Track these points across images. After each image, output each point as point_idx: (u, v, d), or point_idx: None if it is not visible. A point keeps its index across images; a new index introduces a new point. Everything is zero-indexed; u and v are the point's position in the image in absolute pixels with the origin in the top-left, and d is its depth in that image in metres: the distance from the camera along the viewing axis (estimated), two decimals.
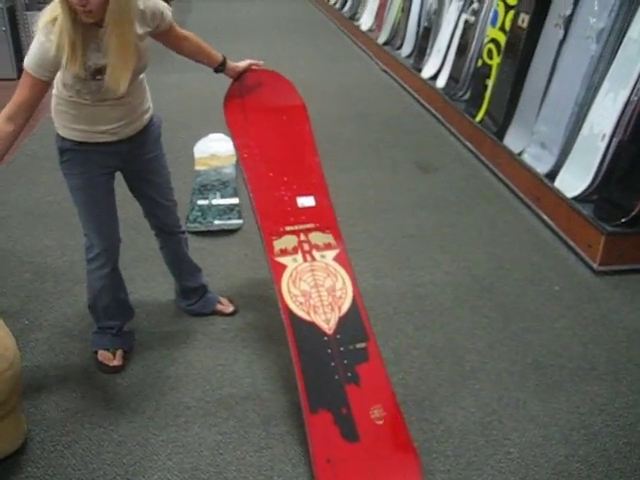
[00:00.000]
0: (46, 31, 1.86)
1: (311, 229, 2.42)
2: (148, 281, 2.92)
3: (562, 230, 3.38)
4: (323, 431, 2.00)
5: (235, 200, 3.76)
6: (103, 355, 2.43)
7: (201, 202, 3.76)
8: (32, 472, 1.94)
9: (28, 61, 1.91)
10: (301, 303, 2.22)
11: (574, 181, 3.44)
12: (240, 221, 3.50)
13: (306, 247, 2.36)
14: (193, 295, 2.67)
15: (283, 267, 2.30)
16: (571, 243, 3.28)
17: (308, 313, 2.19)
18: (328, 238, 2.41)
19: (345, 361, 2.12)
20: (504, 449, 2.05)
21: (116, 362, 2.41)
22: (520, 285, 2.98)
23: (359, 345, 2.16)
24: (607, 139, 3.27)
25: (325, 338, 2.16)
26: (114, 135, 2.15)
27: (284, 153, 2.62)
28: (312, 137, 2.68)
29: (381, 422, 2.03)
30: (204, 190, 3.95)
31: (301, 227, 2.41)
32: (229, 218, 3.53)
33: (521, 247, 3.34)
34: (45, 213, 3.57)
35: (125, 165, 2.26)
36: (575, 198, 3.36)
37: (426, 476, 1.94)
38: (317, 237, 2.40)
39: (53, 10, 1.86)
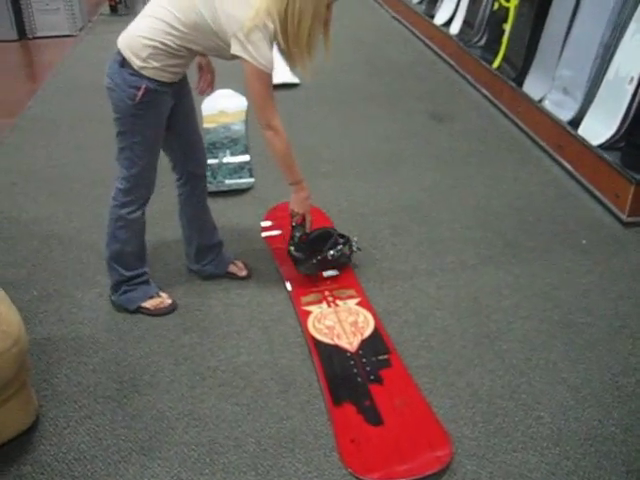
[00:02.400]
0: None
1: (335, 288, 2.57)
2: (156, 246, 2.82)
3: (587, 180, 3.23)
4: (346, 418, 1.97)
5: (246, 157, 3.61)
6: (152, 303, 2.41)
7: (211, 161, 3.61)
8: (45, 450, 1.88)
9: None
10: (325, 333, 2.31)
11: (599, 128, 3.27)
12: (251, 179, 3.37)
13: (330, 299, 2.50)
14: (209, 254, 2.58)
15: (309, 312, 2.42)
16: (597, 193, 3.13)
17: (332, 339, 2.29)
18: (350, 292, 2.54)
19: (368, 368, 2.18)
20: (534, 413, 1.96)
21: (169, 300, 2.43)
22: (545, 239, 2.85)
23: (381, 357, 2.19)
24: (635, 82, 3.09)
25: (348, 354, 2.22)
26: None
27: None
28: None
29: (405, 408, 1.98)
30: (213, 149, 3.80)
31: (326, 287, 2.58)
32: (240, 177, 3.40)
33: (545, 199, 3.20)
34: (50, 179, 3.45)
35: (176, 101, 2.23)
36: (600, 146, 3.19)
37: (453, 444, 1.86)
38: (340, 292, 2.54)
39: None
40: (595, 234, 2.89)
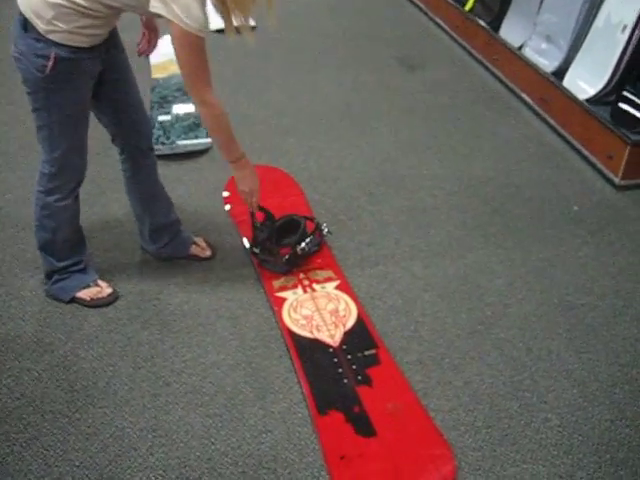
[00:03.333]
0: None
1: (311, 269, 2.29)
2: (103, 221, 2.50)
3: (576, 139, 3.00)
4: (334, 430, 1.73)
5: None
6: (88, 293, 2.12)
7: (162, 118, 3.26)
8: None
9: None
10: (303, 325, 2.06)
11: (587, 80, 3.03)
12: (208, 140, 3.03)
13: (306, 282, 2.23)
14: (165, 234, 2.26)
15: (283, 300, 2.16)
16: (587, 154, 2.91)
17: (311, 332, 2.03)
18: (328, 273, 2.27)
19: (354, 366, 1.94)
20: (541, 415, 1.77)
21: (109, 289, 2.14)
22: (534, 206, 2.63)
23: (367, 352, 1.96)
24: (629, 31, 2.84)
25: (330, 350, 1.98)
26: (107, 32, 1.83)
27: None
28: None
29: (399, 415, 1.76)
30: (164, 103, 3.43)
31: (300, 268, 2.29)
32: (196, 136, 3.04)
33: (530, 160, 2.97)
34: None
35: (105, 67, 1.86)
36: (589, 100, 2.96)
37: (456, 456, 1.66)
38: (316, 274, 2.27)
39: None
40: (587, 199, 2.69)
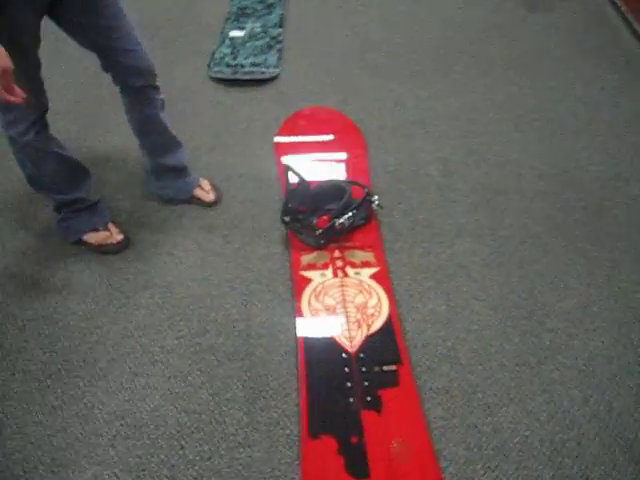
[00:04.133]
0: None
1: (349, 247, 1.96)
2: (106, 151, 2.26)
3: None
4: (322, 460, 1.46)
5: (278, 31, 2.91)
6: (97, 238, 1.93)
7: (234, 33, 2.93)
8: None
9: None
10: (321, 318, 1.76)
11: None
12: (277, 70, 2.68)
13: (339, 263, 1.91)
14: (168, 176, 2.03)
15: (307, 281, 1.85)
16: None
17: (328, 328, 1.73)
18: (367, 256, 1.93)
19: (366, 383, 1.61)
20: None
21: (120, 235, 1.95)
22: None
23: (387, 367, 1.65)
24: None
25: (344, 355, 1.68)
26: None
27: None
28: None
29: (403, 460, 1.45)
30: (242, 16, 3.09)
31: (336, 245, 1.96)
32: (266, 60, 2.71)
33: None
34: None
35: (73, 13, 1.57)
36: None
37: None
38: (355, 255, 1.93)
39: None
40: None
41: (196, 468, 1.45)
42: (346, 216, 1.89)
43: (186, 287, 1.83)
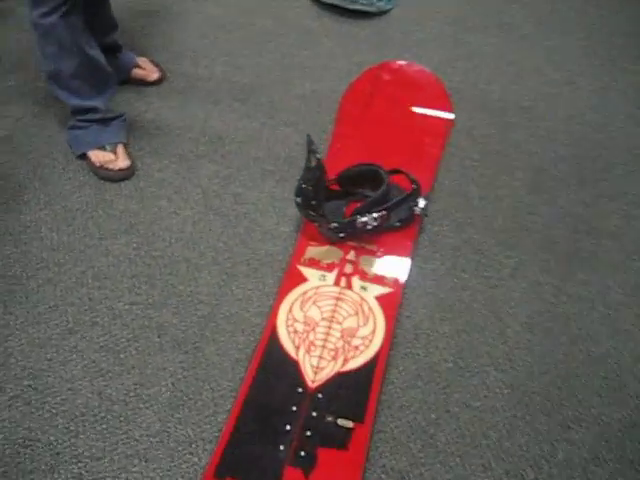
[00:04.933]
0: None
1: (369, 251, 1.59)
2: None
3: None
4: None
5: None
6: (99, 157, 1.74)
7: None
8: None
9: None
10: (295, 332, 1.44)
11: None
12: (389, 5, 2.23)
13: (348, 269, 1.56)
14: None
15: (301, 280, 1.54)
16: None
17: (298, 347, 1.42)
18: (384, 270, 1.56)
19: (308, 432, 1.30)
20: None
21: (123, 163, 1.74)
22: None
23: (342, 422, 1.31)
24: None
25: (299, 389, 1.36)
26: None
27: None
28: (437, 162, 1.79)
29: None
30: None
31: (355, 243, 1.59)
32: None
33: None
34: None
35: None
36: None
37: None
38: (371, 263, 1.57)
39: None
40: None
41: (80, 465, 1.25)
42: (374, 215, 1.52)
43: (168, 244, 1.59)
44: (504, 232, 1.65)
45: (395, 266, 1.56)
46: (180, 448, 1.28)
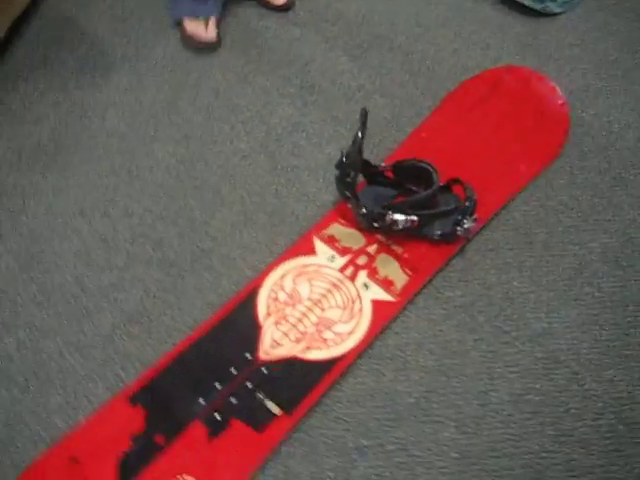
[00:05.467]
0: None
1: (391, 251, 1.45)
2: None
3: None
4: (112, 427, 1.22)
5: None
6: (191, 26, 1.80)
7: None
8: None
9: None
10: (275, 299, 1.38)
11: None
12: (561, 9, 1.96)
13: (361, 260, 1.44)
14: None
15: (309, 251, 1.45)
16: None
17: (269, 314, 1.35)
18: (398, 277, 1.42)
19: (233, 399, 1.25)
20: None
21: (209, 35, 1.80)
22: None
23: (270, 404, 1.25)
24: None
25: (248, 356, 1.30)
26: None
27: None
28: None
29: None
30: None
31: (383, 238, 1.47)
32: None
33: None
34: None
35: None
36: None
37: None
38: (387, 264, 1.43)
39: None
40: None
41: (27, 332, 1.32)
42: (406, 217, 1.39)
43: (207, 168, 1.57)
44: (549, 291, 1.43)
45: (410, 278, 1.42)
46: (116, 358, 1.30)
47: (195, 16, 1.78)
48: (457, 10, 1.96)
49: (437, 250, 1.46)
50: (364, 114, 1.34)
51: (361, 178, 1.48)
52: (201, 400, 1.25)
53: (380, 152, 1.61)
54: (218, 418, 1.23)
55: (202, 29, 1.79)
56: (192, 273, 1.41)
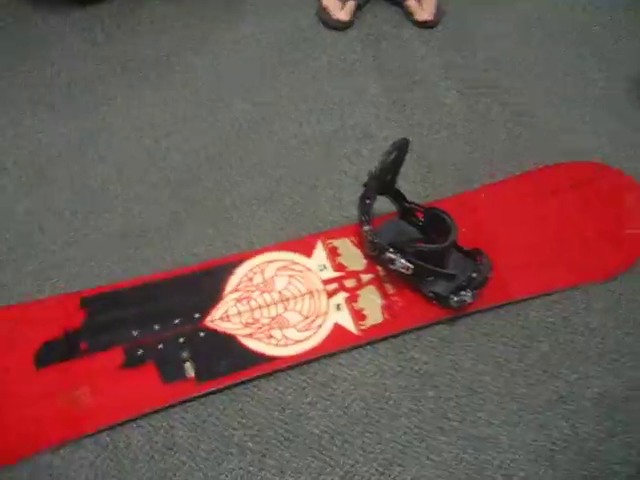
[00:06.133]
0: None
1: (380, 287, 1.40)
2: None
3: None
4: (56, 313, 1.32)
5: None
6: (330, 2, 1.85)
7: None
8: None
9: None
10: (249, 280, 1.38)
11: None
12: None
13: (348, 283, 1.41)
14: None
15: (305, 252, 1.44)
16: None
17: (236, 289, 1.37)
18: (374, 315, 1.36)
19: (161, 345, 1.29)
20: None
21: (341, 14, 1.84)
22: None
23: (188, 366, 1.27)
24: None
25: (197, 315, 1.34)
26: None
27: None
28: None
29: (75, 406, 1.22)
30: None
31: (381, 273, 1.42)
32: None
33: None
34: None
35: None
36: None
37: None
38: (369, 298, 1.39)
39: None
40: None
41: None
42: (403, 261, 1.32)
43: (267, 126, 1.61)
44: (518, 403, 1.29)
45: (384, 322, 1.35)
46: (86, 261, 1.39)
47: None
48: (590, 95, 1.80)
49: (428, 308, 1.38)
50: (403, 144, 1.29)
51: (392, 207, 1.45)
52: (134, 332, 1.30)
53: (433, 192, 1.55)
54: (139, 353, 1.28)
55: (338, 7, 1.82)
56: (199, 220, 1.47)
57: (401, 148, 1.31)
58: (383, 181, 1.37)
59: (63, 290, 1.35)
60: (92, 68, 1.66)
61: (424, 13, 1.84)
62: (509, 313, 1.40)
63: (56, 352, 1.27)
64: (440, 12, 1.85)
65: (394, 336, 1.35)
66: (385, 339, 1.34)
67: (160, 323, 1.31)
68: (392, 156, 1.30)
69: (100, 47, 1.71)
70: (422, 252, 1.33)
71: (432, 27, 1.84)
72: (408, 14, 1.86)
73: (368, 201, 1.36)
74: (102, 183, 1.49)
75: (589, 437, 1.27)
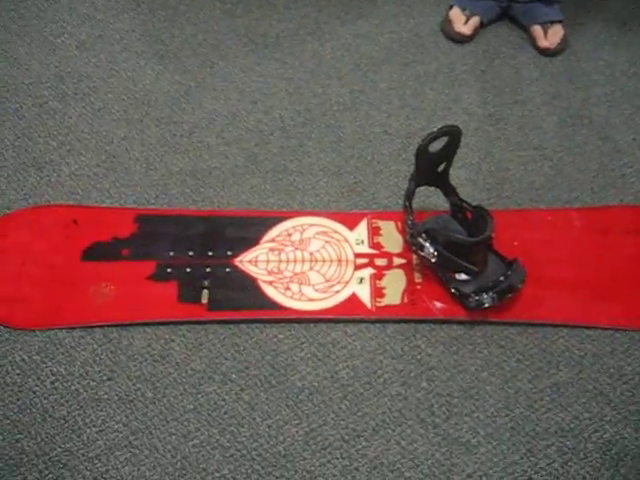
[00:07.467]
0: None
1: (409, 272, 1.40)
2: None
3: None
4: (112, 222, 1.48)
5: None
6: (456, 14, 1.88)
7: None
8: None
9: None
10: (288, 235, 1.45)
11: None
12: None
13: (379, 262, 1.42)
14: None
15: (349, 224, 1.48)
16: None
17: (272, 240, 1.44)
18: (393, 297, 1.36)
19: (188, 268, 1.40)
20: None
21: (466, 29, 1.87)
22: None
23: (205, 293, 1.37)
24: None
25: (229, 252, 1.43)
26: None
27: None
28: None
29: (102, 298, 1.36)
30: None
31: (414, 261, 1.41)
32: None
33: None
34: None
35: None
36: None
37: None
38: (394, 280, 1.39)
39: None
40: None
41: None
42: (431, 247, 1.30)
43: (357, 112, 1.66)
44: (508, 420, 1.21)
45: (401, 305, 1.33)
46: (154, 186, 1.54)
47: (462, 7, 1.84)
48: None
49: (449, 304, 1.34)
50: (453, 130, 1.29)
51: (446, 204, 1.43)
52: (171, 252, 1.42)
53: (497, 201, 1.51)
54: (168, 271, 1.39)
55: (462, 20, 1.84)
56: (260, 176, 1.55)
57: (451, 134, 1.30)
58: (434, 171, 1.37)
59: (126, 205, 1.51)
60: (221, 37, 1.84)
61: (547, 41, 1.80)
62: (535, 334, 1.32)
63: (101, 252, 1.41)
64: (564, 43, 1.80)
65: (407, 321, 1.33)
66: (397, 322, 1.33)
67: (195, 251, 1.42)
68: (439, 138, 1.29)
69: (234, 19, 1.89)
70: (451, 243, 1.30)
71: (553, 55, 1.80)
72: (532, 39, 1.83)
73: (408, 203, 1.37)
74: (189, 129, 1.64)
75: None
